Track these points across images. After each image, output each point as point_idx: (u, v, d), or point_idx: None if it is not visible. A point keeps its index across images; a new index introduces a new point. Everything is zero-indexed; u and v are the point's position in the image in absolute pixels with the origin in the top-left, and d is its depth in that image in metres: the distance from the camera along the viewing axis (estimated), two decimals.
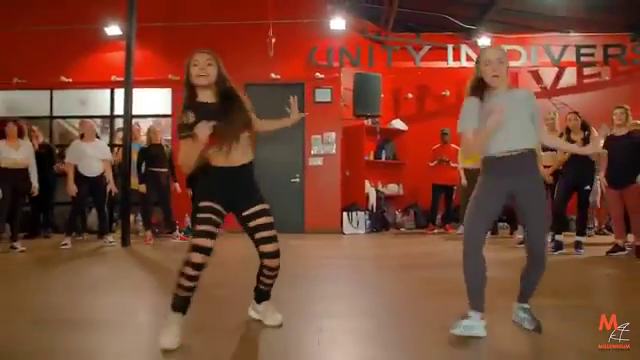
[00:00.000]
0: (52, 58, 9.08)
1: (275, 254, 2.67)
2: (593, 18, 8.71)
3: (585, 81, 9.48)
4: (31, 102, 9.37)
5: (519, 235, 7.01)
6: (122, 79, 8.31)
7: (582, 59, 9.09)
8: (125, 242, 6.85)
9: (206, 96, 2.63)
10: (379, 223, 9.19)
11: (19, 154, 6.48)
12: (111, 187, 7.03)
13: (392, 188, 9.82)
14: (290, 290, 3.76)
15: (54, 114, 9.46)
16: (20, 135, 6.54)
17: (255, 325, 2.83)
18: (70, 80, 9.20)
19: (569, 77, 9.50)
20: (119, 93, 9.14)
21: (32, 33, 9.01)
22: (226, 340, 2.61)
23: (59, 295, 3.81)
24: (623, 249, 5.91)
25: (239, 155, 2.64)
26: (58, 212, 8.64)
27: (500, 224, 8.66)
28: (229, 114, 2.60)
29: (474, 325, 2.54)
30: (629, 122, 5.99)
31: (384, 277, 4.75)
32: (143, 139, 7.95)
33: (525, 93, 2.75)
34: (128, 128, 7.07)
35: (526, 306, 2.70)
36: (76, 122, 8.98)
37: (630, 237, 6.16)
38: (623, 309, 3.23)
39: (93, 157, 6.90)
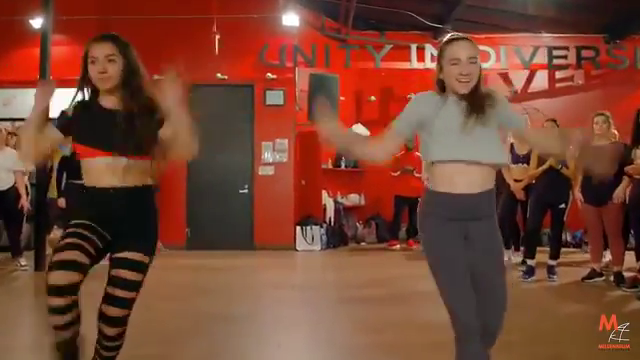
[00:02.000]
0: None
1: (113, 321, 1.99)
2: (565, 18, 8.19)
3: (557, 85, 8.95)
4: None
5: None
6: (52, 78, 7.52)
7: (554, 62, 8.52)
8: (39, 266, 5.94)
9: (109, 101, 2.11)
10: (337, 238, 8.47)
11: None
12: (23, 202, 6.13)
13: (353, 198, 9.13)
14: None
15: None
16: None
17: None
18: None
19: (540, 80, 8.95)
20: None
21: None
22: None
23: None
24: (600, 275, 5.29)
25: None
26: None
27: None
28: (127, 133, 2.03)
29: None
30: (611, 132, 5.38)
31: (336, 319, 4.01)
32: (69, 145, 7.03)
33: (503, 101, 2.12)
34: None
35: None
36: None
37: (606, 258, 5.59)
38: None
39: (2, 168, 6.02)
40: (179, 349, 3.05)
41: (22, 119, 8.08)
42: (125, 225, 2.03)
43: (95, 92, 2.13)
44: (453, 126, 1.94)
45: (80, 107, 2.11)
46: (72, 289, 1.81)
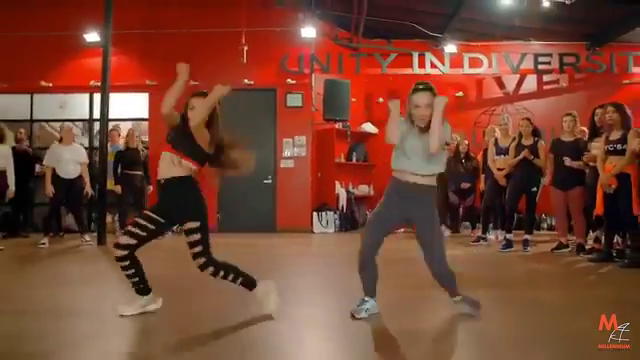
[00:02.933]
0: (32, 63, 9.32)
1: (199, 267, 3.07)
2: (550, 28, 9.18)
3: (545, 87, 9.95)
4: (12, 106, 9.62)
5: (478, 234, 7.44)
6: (100, 84, 8.74)
7: (540, 67, 9.55)
8: (101, 241, 7.16)
9: None
10: (348, 222, 9.58)
11: None
12: (87, 189, 7.34)
13: (362, 189, 10.20)
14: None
15: (34, 117, 9.71)
16: (0, 140, 6.83)
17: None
18: (50, 84, 9.47)
19: (530, 83, 9.97)
20: (98, 97, 9.45)
21: (13, 39, 9.25)
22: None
23: (38, 289, 4.14)
24: (566, 246, 6.37)
25: (163, 169, 3.08)
26: (37, 212, 8.91)
27: (464, 223, 9.08)
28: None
29: (373, 306, 3.14)
30: (577, 129, 6.45)
31: (353, 272, 5.16)
32: (121, 142, 8.25)
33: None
34: (105, 131, 7.39)
35: (457, 299, 3.15)
36: (56, 125, 9.30)
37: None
38: (561, 300, 3.73)
39: (70, 160, 7.20)
40: (219, 297, 4.12)
41: (75, 120, 9.43)
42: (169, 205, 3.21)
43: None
44: (415, 149, 2.97)
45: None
46: (128, 248, 3.00)
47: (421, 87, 2.97)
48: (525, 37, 9.51)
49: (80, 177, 7.27)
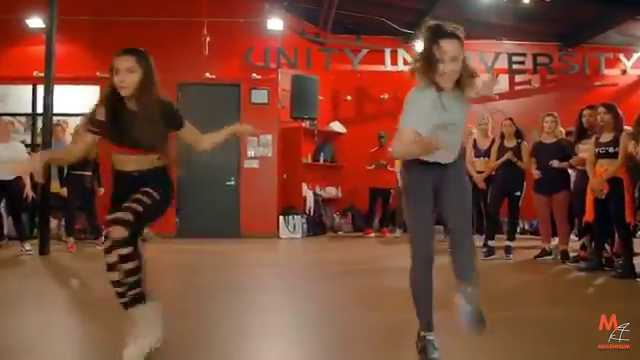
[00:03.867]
0: None
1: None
2: (523, 27, 8.99)
3: (517, 88, 9.77)
4: None
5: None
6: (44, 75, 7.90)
7: (514, 67, 9.36)
8: (43, 250, 6.40)
9: (131, 104, 2.47)
10: (316, 227, 9.10)
11: None
12: (27, 191, 6.57)
13: (330, 191, 9.76)
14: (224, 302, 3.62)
15: None
16: None
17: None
18: None
19: (502, 83, 9.74)
20: (41, 89, 8.62)
21: None
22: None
23: None
24: (550, 253, 6.08)
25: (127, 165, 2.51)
26: None
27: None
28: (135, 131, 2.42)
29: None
30: (558, 130, 6.17)
31: (320, 286, 4.65)
32: (68, 138, 7.48)
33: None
34: (49, 126, 6.63)
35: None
36: None
37: (555, 240, 6.36)
38: (567, 320, 3.33)
39: (7, 158, 6.42)
40: (175, 312, 3.62)
41: (15, 114, 8.55)
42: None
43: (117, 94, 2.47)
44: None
45: (109, 108, 2.47)
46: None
47: (450, 32, 2.31)
48: (498, 36, 9.29)
49: (19, 178, 6.48)
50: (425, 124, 2.31)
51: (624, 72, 9.42)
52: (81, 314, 3.42)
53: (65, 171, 6.91)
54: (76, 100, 8.52)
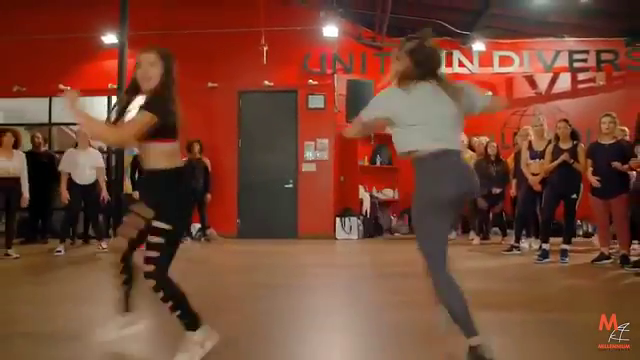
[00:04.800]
0: (51, 66, 9.22)
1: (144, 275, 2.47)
2: (586, 23, 8.71)
3: (580, 86, 9.44)
4: (30, 109, 9.53)
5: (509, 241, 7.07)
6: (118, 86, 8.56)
7: (575, 65, 9.07)
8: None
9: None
10: (372, 229, 9.24)
11: (12, 164, 6.60)
12: (104, 195, 7.15)
13: (387, 193, 9.86)
14: (284, 301, 3.88)
15: (53, 121, 9.59)
16: (15, 146, 6.68)
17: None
18: (68, 88, 9.30)
19: (564, 82, 9.48)
20: (115, 100, 9.32)
21: (31, 42, 9.15)
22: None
23: (48, 307, 3.88)
24: (608, 257, 5.91)
25: (147, 161, 2.55)
26: (57, 218, 8.75)
27: (493, 229, 8.68)
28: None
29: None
30: (617, 130, 5.99)
31: (374, 286, 4.82)
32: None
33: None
34: None
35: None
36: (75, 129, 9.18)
37: (616, 246, 6.16)
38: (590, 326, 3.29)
39: (86, 165, 7.03)
40: (237, 310, 3.84)
41: None
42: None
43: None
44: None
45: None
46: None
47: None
48: (559, 33, 9.04)
49: (96, 182, 7.08)
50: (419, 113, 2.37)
51: None
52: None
53: (136, 175, 7.44)
54: None
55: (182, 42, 8.66)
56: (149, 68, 2.49)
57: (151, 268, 2.42)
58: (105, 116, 9.18)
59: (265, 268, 5.91)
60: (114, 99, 9.22)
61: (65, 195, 6.90)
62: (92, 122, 2.59)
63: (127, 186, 7.34)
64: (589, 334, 3.00)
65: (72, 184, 6.96)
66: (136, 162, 7.50)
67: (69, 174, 6.97)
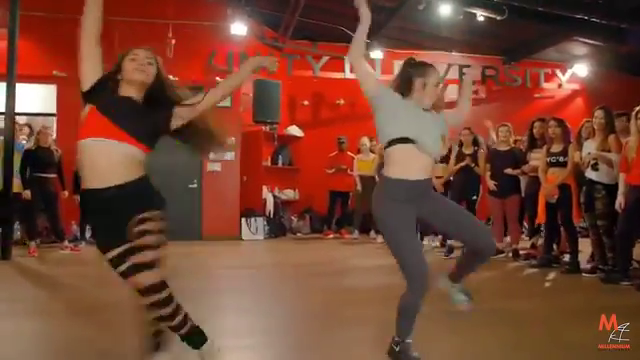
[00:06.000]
0: None
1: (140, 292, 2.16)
2: (472, 41, 9.60)
3: None
4: None
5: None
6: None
7: (463, 77, 9.94)
8: (5, 255, 6.23)
9: (128, 91, 2.29)
10: (277, 228, 9.29)
11: None
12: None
13: (288, 193, 9.97)
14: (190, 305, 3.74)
15: None
16: None
17: None
18: None
19: (452, 93, 10.32)
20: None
21: None
22: None
23: None
24: (502, 252, 6.61)
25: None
26: None
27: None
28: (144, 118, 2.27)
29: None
30: (512, 139, 6.72)
31: (285, 288, 4.84)
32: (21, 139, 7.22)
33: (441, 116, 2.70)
34: (11, 127, 6.44)
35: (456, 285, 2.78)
36: None
37: (507, 241, 6.91)
38: (534, 310, 3.76)
39: None
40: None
41: None
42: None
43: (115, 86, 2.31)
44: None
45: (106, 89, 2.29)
46: None
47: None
48: (449, 48, 9.85)
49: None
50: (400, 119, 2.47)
51: (560, 86, 10.28)
52: (51, 319, 3.45)
53: (28, 172, 6.71)
54: (31, 99, 8.32)
55: (77, 27, 8.01)
56: (147, 65, 2.33)
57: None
58: None
59: (171, 271, 5.63)
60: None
61: None
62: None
63: (17, 185, 6.58)
64: (523, 319, 3.48)
65: None
66: (29, 158, 6.76)
67: None
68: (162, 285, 2.15)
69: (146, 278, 2.11)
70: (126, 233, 2.13)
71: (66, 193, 7.00)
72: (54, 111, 8.36)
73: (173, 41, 8.16)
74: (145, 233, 2.14)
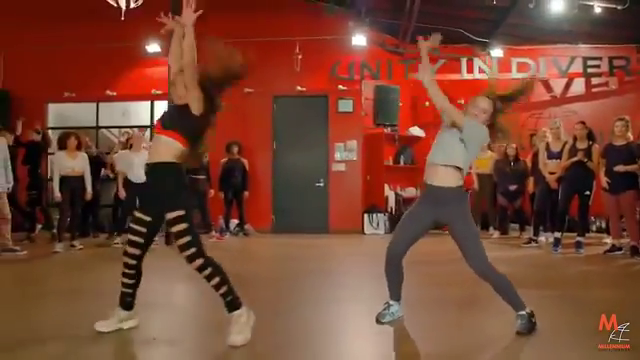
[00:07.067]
0: (98, 73, 9.92)
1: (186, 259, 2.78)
2: (598, 31, 9.22)
3: (593, 90, 9.96)
4: (79, 114, 10.28)
5: (526, 235, 7.65)
6: (161, 92, 9.32)
7: (589, 70, 9.60)
8: (168, 241, 7.65)
9: None
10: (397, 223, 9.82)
11: (76, 163, 7.32)
12: None
13: (410, 191, 10.43)
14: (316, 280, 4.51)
15: (100, 124, 10.33)
16: (79, 147, 7.39)
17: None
18: (114, 94, 10.06)
19: (578, 86, 10.01)
20: (158, 105, 10.03)
21: (80, 51, 9.86)
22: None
23: None
24: (620, 249, 6.49)
25: (152, 152, 2.93)
26: (103, 214, 9.49)
27: (512, 225, 9.23)
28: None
29: (397, 310, 3.26)
30: (629, 133, 6.56)
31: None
32: None
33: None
34: None
35: (521, 313, 2.96)
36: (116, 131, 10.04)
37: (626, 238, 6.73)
38: (619, 299, 3.95)
39: (140, 165, 7.70)
40: (279, 291, 4.53)
41: (137, 126, 9.99)
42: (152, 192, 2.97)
43: None
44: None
45: None
46: (134, 258, 2.95)
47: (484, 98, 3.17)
48: (573, 41, 9.58)
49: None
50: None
51: None
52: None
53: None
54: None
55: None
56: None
57: (192, 250, 2.73)
58: (149, 121, 10.15)
59: (302, 258, 6.56)
60: (157, 104, 9.99)
61: (122, 192, 7.61)
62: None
63: None
64: (599, 306, 3.63)
65: (127, 182, 7.67)
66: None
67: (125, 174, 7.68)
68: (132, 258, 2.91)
69: (127, 248, 2.92)
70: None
71: (212, 191, 8.31)
72: None
73: (300, 56, 9.15)
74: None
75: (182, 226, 2.74)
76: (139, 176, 7.65)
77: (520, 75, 9.77)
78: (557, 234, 6.66)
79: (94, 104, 10.26)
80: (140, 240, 2.90)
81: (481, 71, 9.75)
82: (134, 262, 2.95)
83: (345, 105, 9.61)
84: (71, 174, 7.23)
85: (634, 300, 4.02)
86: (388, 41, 10.15)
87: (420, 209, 3.15)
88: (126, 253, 2.94)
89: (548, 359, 2.63)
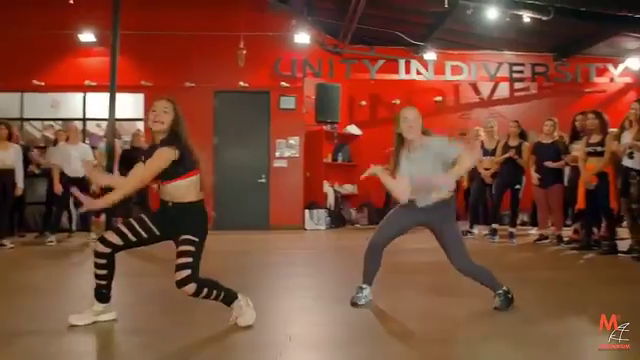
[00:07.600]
0: (23, 61, 9.30)
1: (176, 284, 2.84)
2: (523, 40, 9.97)
3: (516, 94, 10.75)
4: (1, 104, 9.57)
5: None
6: (95, 84, 8.97)
7: (514, 75, 10.37)
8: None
9: (155, 137, 2.99)
10: (337, 220, 10.07)
11: (7, 156, 6.85)
12: (95, 188, 7.51)
13: (348, 188, 10.70)
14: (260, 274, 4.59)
15: (24, 116, 9.69)
16: (9, 138, 6.92)
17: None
18: (42, 84, 9.49)
19: (503, 90, 10.75)
20: (91, 97, 9.59)
21: (5, 36, 9.19)
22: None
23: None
24: (546, 238, 7.11)
25: (164, 195, 3.03)
26: (29, 212, 8.89)
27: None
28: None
29: (369, 293, 3.49)
30: (556, 133, 7.18)
31: (345, 263, 5.60)
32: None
33: (437, 142, 3.36)
34: (112, 130, 7.58)
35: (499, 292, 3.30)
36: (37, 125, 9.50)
37: (552, 228, 7.36)
38: (568, 279, 4.37)
39: (78, 158, 7.36)
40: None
41: (67, 119, 9.47)
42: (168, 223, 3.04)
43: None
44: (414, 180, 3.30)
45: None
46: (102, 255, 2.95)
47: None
48: (499, 47, 10.27)
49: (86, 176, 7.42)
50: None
51: (612, 80, 10.45)
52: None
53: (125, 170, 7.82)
54: (122, 106, 9.48)
55: (162, 42, 9.17)
56: (163, 114, 2.93)
57: (187, 273, 2.80)
58: (81, 113, 9.65)
59: (246, 252, 6.61)
60: (89, 95, 9.55)
61: (59, 187, 7.22)
62: (112, 179, 3.34)
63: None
64: (548, 284, 4.08)
65: (64, 177, 7.28)
66: (124, 158, 7.86)
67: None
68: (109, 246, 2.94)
69: (108, 234, 3.00)
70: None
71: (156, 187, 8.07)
72: (141, 116, 9.52)
73: (244, 51, 9.12)
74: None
75: (188, 248, 2.86)
76: (76, 169, 7.33)
77: (453, 78, 10.35)
78: (494, 225, 7.16)
79: (18, 94, 9.59)
80: (133, 239, 2.95)
81: (419, 73, 10.21)
82: (108, 250, 2.93)
83: (287, 102, 9.69)
84: (1, 167, 6.78)
85: (573, 278, 4.50)
86: (328, 41, 10.34)
87: (411, 210, 3.32)
88: (104, 240, 2.95)
89: (522, 329, 2.92)
